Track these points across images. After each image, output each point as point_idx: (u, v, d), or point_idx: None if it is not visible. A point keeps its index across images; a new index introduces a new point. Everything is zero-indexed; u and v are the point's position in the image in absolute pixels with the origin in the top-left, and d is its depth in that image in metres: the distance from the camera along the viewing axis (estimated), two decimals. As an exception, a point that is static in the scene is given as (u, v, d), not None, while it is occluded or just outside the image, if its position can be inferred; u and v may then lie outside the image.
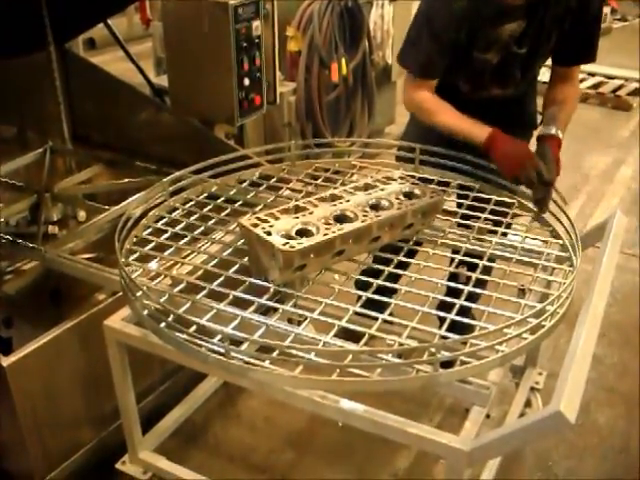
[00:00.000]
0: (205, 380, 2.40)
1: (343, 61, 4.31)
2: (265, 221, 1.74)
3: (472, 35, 2.13)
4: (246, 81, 2.99)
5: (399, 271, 1.85)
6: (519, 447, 2.12)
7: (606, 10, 9.67)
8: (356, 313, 1.66)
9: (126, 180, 2.87)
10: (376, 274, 1.78)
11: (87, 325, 2.04)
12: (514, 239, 1.97)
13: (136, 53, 3.89)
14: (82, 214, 2.88)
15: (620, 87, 6.51)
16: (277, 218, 1.76)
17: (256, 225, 1.72)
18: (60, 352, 2.01)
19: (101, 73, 3.23)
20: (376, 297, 1.69)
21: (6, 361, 1.86)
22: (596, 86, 6.56)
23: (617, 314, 3.27)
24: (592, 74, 6.88)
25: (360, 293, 1.70)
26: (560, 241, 1.93)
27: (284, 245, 1.63)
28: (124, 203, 2.56)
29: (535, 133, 2.31)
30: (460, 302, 1.64)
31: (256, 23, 2.98)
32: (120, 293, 2.08)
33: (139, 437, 2.04)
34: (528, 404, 2.35)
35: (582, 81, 6.71)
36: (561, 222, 1.99)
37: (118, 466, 2.06)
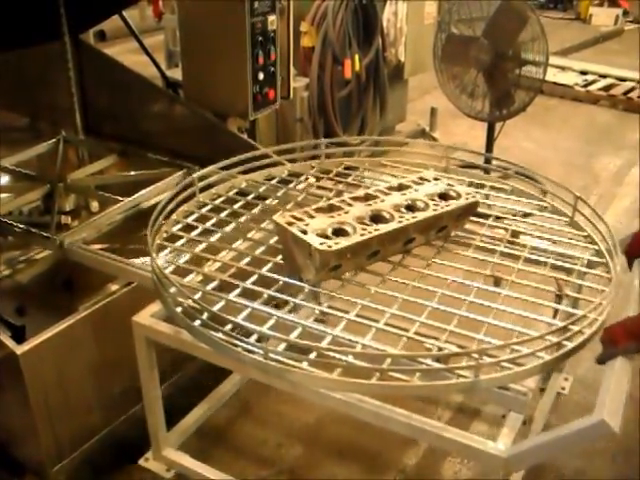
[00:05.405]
0: (228, 379, 2.40)
1: (356, 58, 4.32)
2: (300, 219, 1.70)
3: None
4: (260, 75, 2.99)
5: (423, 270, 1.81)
6: (557, 455, 2.04)
7: (618, 12, 9.67)
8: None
9: (139, 172, 2.87)
10: None
11: (100, 315, 2.04)
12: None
13: (147, 46, 3.88)
14: (95, 205, 2.88)
15: (632, 89, 6.48)
16: (312, 217, 1.72)
17: (291, 223, 1.68)
18: (73, 341, 2.01)
19: (115, 65, 3.23)
20: (411, 299, 1.66)
21: (20, 349, 1.86)
22: (607, 88, 6.54)
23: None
24: (604, 76, 6.87)
25: (396, 295, 1.66)
26: (595, 246, 1.89)
27: (321, 245, 1.59)
28: (137, 195, 2.58)
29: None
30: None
31: (272, 17, 2.99)
32: (134, 284, 2.09)
33: (164, 434, 2.01)
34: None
35: (593, 83, 6.70)
36: (596, 227, 1.95)
37: (141, 463, 2.05)
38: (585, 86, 6.61)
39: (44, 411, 1.98)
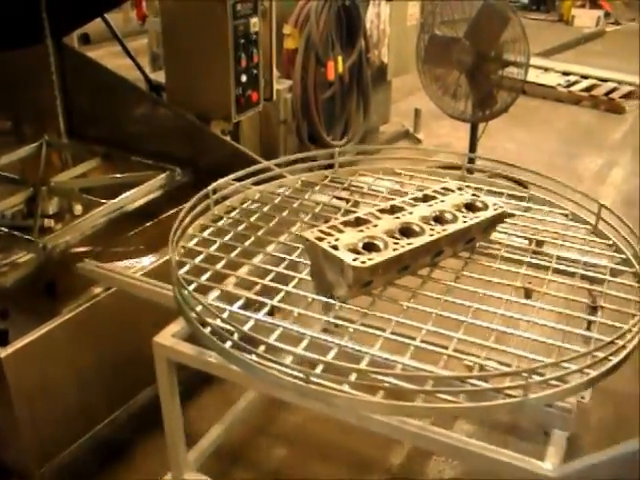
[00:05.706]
0: (242, 396, 2.41)
1: (339, 59, 4.34)
2: (329, 234, 1.64)
3: None
4: (243, 78, 3.00)
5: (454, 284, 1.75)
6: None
7: (599, 13, 9.76)
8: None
9: (122, 174, 2.87)
10: None
11: (84, 318, 2.04)
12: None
13: (131, 49, 3.88)
14: (78, 208, 2.87)
15: (613, 90, 6.55)
16: (341, 231, 1.67)
17: (321, 239, 1.62)
18: (57, 345, 2.01)
19: (98, 68, 3.22)
20: (453, 315, 1.60)
21: (3, 352, 1.86)
22: (589, 89, 6.60)
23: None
24: (585, 77, 6.93)
25: (430, 310, 1.61)
26: (622, 255, 1.85)
27: (354, 261, 1.53)
28: (120, 197, 2.58)
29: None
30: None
31: (254, 20, 2.99)
32: (113, 289, 2.08)
33: (184, 457, 1.93)
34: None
35: (575, 84, 6.76)
36: (621, 234, 1.91)
37: None
38: (567, 87, 6.67)
39: (28, 414, 1.98)
